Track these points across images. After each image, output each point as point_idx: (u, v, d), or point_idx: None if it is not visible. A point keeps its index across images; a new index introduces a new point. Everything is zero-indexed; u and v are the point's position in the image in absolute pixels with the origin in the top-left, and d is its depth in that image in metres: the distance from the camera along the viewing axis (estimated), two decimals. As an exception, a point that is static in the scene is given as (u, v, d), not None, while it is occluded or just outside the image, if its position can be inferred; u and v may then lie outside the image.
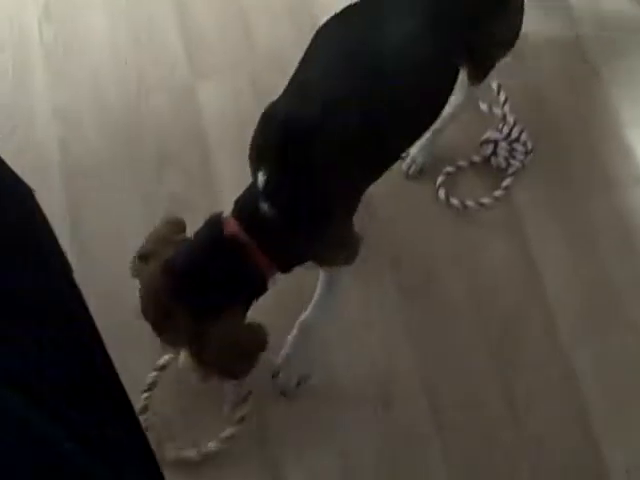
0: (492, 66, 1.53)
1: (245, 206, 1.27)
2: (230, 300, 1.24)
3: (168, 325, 1.24)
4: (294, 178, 1.23)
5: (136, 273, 1.31)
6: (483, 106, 1.78)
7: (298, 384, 1.55)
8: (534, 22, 1.88)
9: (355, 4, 1.36)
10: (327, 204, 1.27)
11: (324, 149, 1.23)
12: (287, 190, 1.23)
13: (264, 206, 1.22)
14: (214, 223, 1.26)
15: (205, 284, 1.23)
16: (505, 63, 1.82)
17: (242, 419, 1.51)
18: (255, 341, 1.27)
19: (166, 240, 1.30)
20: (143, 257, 1.30)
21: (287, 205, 1.23)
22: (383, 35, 1.28)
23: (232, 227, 1.24)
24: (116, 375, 1.09)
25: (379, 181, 1.58)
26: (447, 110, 1.49)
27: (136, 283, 1.29)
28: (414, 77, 1.30)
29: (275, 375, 1.54)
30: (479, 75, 1.52)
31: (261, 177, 1.24)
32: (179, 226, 1.33)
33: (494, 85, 1.78)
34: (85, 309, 1.10)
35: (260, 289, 1.28)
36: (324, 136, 1.22)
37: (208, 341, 1.22)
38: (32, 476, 0.80)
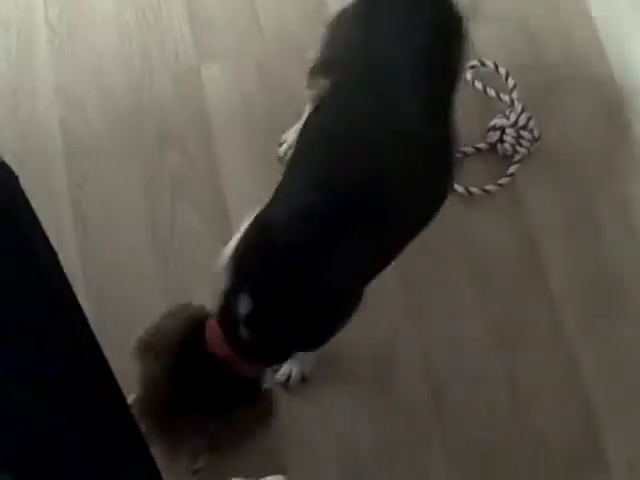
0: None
1: (227, 324, 1.20)
2: (228, 406, 1.24)
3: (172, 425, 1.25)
4: (287, 317, 1.17)
5: (137, 357, 1.29)
6: (491, 92, 1.77)
7: (302, 380, 1.53)
8: (546, 6, 1.88)
9: (338, 91, 1.27)
10: (324, 338, 1.25)
11: (329, 277, 1.15)
12: (277, 330, 1.18)
13: (245, 332, 1.17)
14: (196, 335, 1.22)
15: (201, 398, 1.23)
16: (514, 49, 1.83)
17: (197, 471, 1.40)
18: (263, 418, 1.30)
19: (169, 337, 1.25)
20: (147, 346, 1.28)
21: (276, 343, 1.20)
22: (383, 129, 1.21)
23: (214, 343, 1.20)
24: (110, 371, 1.09)
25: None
26: None
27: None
28: (425, 167, 1.24)
29: (275, 371, 1.53)
30: None
31: (244, 304, 1.16)
32: (184, 318, 1.28)
33: (502, 71, 1.77)
34: (73, 296, 1.09)
35: (258, 382, 1.27)
36: (330, 264, 1.15)
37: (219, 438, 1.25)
38: (33, 467, 0.80)
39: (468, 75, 1.79)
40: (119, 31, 1.82)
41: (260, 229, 1.18)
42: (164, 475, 1.15)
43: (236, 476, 1.41)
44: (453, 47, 1.34)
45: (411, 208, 1.23)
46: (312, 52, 1.49)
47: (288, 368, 1.52)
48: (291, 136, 1.64)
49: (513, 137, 1.71)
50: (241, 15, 1.85)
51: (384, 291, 1.62)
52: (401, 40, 1.27)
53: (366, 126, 1.21)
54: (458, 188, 1.69)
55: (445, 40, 1.33)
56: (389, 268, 1.61)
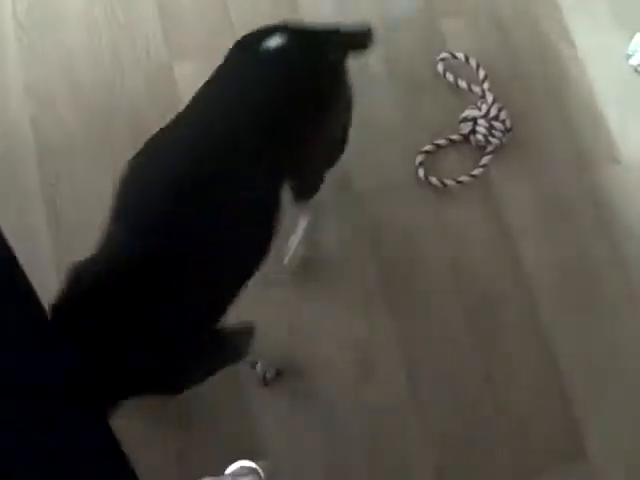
0: (317, 182, 1.42)
1: None
2: None
3: None
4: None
5: None
6: (462, 84, 1.78)
7: (277, 374, 1.54)
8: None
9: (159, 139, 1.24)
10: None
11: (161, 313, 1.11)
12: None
13: None
14: None
15: None
16: (484, 42, 1.84)
17: None
18: None
19: None
20: None
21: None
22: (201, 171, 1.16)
23: None
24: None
25: (356, 154, 1.57)
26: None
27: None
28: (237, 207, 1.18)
29: (253, 366, 1.53)
30: (305, 194, 1.43)
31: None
32: None
33: (473, 63, 1.78)
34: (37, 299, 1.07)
35: None
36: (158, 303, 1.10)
37: None
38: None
39: (440, 67, 1.80)
40: (89, 28, 1.80)
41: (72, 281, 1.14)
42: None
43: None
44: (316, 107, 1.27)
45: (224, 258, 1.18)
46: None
47: (262, 367, 1.53)
48: None
49: (485, 128, 1.72)
50: (212, 11, 1.84)
51: (362, 288, 1.64)
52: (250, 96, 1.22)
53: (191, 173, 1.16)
54: (432, 180, 1.70)
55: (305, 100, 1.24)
56: (367, 256, 1.64)
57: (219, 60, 1.78)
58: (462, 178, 1.71)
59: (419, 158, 1.72)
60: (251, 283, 1.22)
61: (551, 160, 1.76)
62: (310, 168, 1.35)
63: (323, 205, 1.59)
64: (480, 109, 1.73)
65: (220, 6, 1.84)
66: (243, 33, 1.79)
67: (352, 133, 1.69)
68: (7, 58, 1.78)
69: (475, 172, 1.72)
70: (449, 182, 1.70)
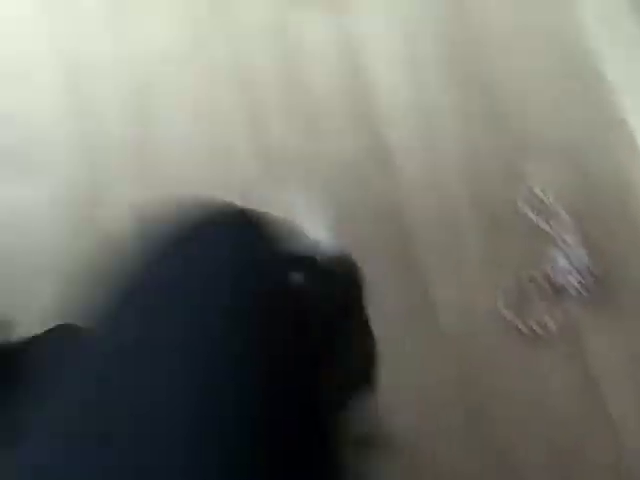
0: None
1: None
2: None
3: None
4: None
5: None
6: (543, 223, 1.79)
7: None
8: (583, 119, 1.91)
9: None
10: None
11: None
12: None
13: None
14: None
15: None
16: (562, 178, 1.84)
17: None
18: None
19: None
20: None
21: None
22: None
23: None
24: None
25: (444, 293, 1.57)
26: None
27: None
28: None
29: None
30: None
31: None
32: None
33: (555, 202, 1.78)
34: None
35: None
36: None
37: None
38: None
39: (520, 205, 1.79)
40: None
41: None
42: None
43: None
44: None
45: None
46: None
47: None
48: None
49: (569, 270, 1.72)
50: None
51: (447, 420, 1.63)
52: None
53: None
54: (515, 321, 1.70)
55: None
56: (450, 398, 1.63)
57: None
58: (545, 321, 1.70)
59: (501, 299, 1.72)
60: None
61: (637, 302, 1.74)
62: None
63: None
64: (563, 251, 1.74)
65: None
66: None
67: (433, 275, 1.73)
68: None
69: (558, 315, 1.71)
70: (532, 324, 1.70)
